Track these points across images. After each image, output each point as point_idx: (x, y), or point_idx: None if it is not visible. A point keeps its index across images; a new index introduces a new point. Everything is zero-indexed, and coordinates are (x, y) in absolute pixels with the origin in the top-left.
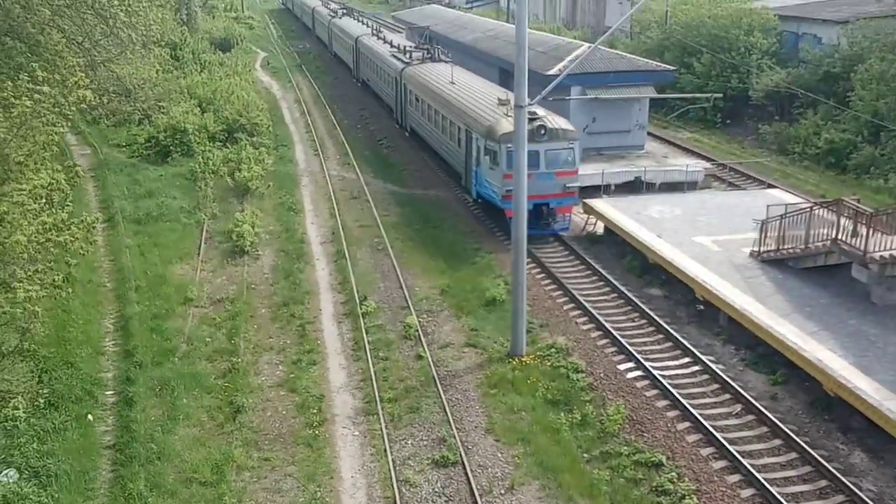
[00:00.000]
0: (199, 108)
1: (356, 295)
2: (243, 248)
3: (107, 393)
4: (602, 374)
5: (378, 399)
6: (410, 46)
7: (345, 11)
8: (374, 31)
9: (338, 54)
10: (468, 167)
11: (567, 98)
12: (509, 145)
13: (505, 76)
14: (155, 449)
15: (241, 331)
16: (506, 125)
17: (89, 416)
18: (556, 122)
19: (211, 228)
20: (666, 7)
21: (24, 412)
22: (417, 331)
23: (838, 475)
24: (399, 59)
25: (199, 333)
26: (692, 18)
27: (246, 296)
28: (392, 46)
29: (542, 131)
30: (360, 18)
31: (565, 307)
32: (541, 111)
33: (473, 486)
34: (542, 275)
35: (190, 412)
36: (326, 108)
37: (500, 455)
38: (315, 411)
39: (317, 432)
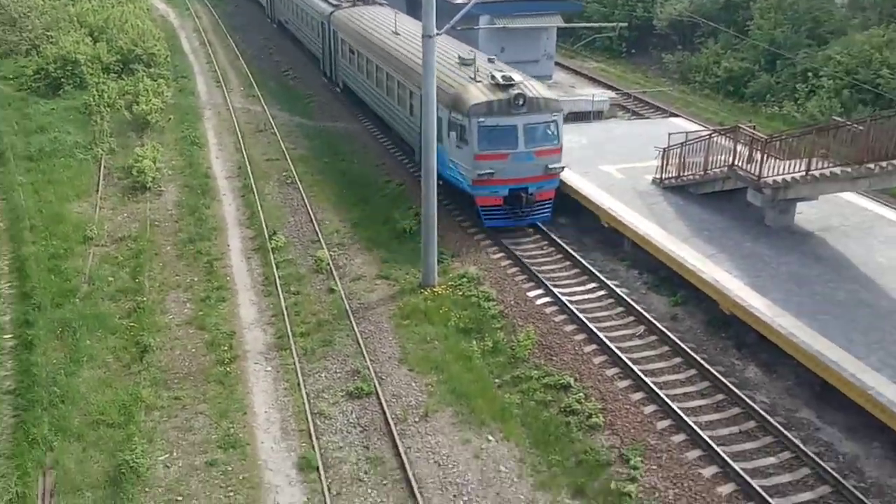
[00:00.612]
0: (90, 38)
1: (265, 230)
2: (145, 183)
3: (4, 336)
4: (512, 302)
5: (290, 333)
6: None
7: None
8: None
9: None
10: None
11: (475, 27)
12: (482, 119)
13: (413, 4)
14: (58, 392)
15: (146, 269)
16: (476, 93)
17: None
18: (535, 89)
19: (109, 164)
20: None
21: None
22: (329, 264)
23: (734, 389)
24: (330, 2)
25: (100, 273)
26: None
27: (149, 233)
28: None
29: (520, 101)
30: None
31: (475, 237)
32: (517, 76)
33: (388, 416)
34: (452, 205)
35: (94, 354)
36: (227, 38)
37: (413, 384)
38: (226, 348)
39: (228, 369)
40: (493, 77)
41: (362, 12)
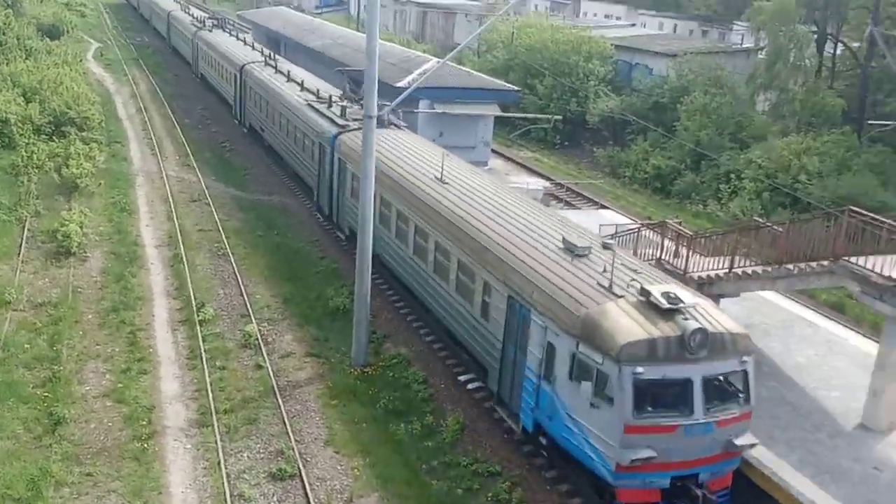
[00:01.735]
0: (23, 98)
1: (193, 301)
2: (69, 248)
3: None
4: (442, 385)
5: (213, 410)
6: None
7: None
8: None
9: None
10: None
11: (415, 111)
12: (640, 369)
13: (354, 84)
14: None
15: (65, 337)
16: (627, 324)
17: None
18: (714, 317)
19: (34, 227)
20: (512, 28)
21: None
22: (258, 339)
23: None
24: (334, 121)
25: (16, 339)
26: (536, 42)
27: (71, 300)
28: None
29: (698, 339)
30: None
31: (408, 318)
32: (686, 294)
33: (311, 500)
34: (386, 285)
35: (4, 423)
36: (165, 106)
37: (339, 467)
38: (144, 423)
39: (145, 445)
40: (644, 292)
41: (381, 139)
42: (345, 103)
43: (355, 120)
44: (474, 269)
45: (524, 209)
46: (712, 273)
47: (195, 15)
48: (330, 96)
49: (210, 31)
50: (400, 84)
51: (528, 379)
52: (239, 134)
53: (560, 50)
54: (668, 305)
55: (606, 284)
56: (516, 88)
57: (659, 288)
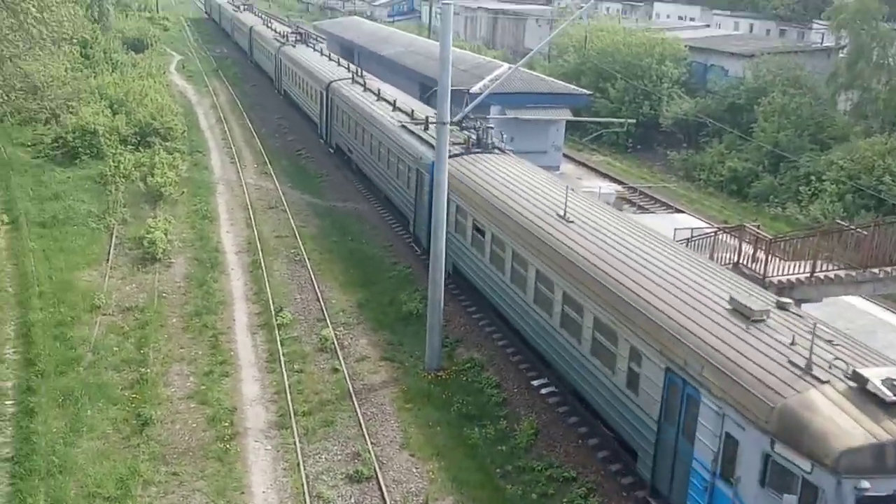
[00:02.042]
0: (110, 110)
1: (272, 306)
2: (155, 255)
3: (6, 403)
4: (515, 390)
5: (292, 412)
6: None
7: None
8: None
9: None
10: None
11: (487, 117)
12: (863, 484)
13: (426, 91)
14: (56, 462)
15: (151, 340)
16: (843, 422)
17: None
18: None
19: (121, 234)
20: (585, 32)
21: None
22: (333, 343)
23: None
24: (433, 146)
25: (105, 342)
26: (608, 45)
27: (157, 304)
28: None
29: None
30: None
31: (480, 323)
32: None
33: (388, 501)
34: (458, 291)
35: (94, 424)
36: (244, 116)
37: (414, 470)
38: (226, 424)
39: (228, 446)
40: (858, 377)
41: (487, 166)
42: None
43: (455, 144)
44: (617, 329)
45: (674, 258)
46: (793, 277)
47: (278, 30)
48: (426, 118)
49: (293, 46)
50: (472, 90)
51: (696, 473)
52: (314, 142)
53: (632, 52)
54: (894, 398)
55: (802, 364)
56: (588, 92)
57: (877, 372)
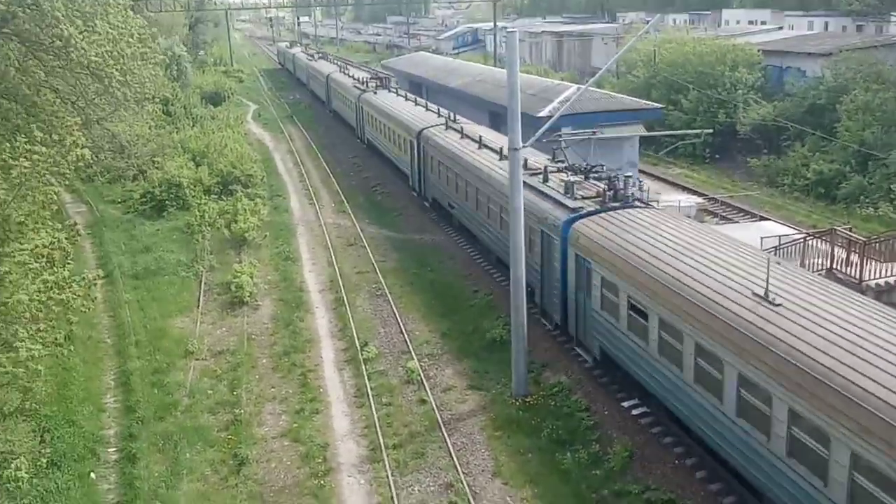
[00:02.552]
0: (192, 162)
1: (357, 341)
2: (242, 298)
3: (109, 450)
4: (606, 413)
5: (383, 446)
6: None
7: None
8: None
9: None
10: None
11: (559, 138)
12: None
13: (495, 119)
14: None
15: (243, 382)
16: None
17: (92, 475)
18: None
19: (209, 280)
20: (652, 46)
21: (26, 473)
22: (419, 375)
23: None
24: (560, 203)
25: (200, 386)
26: (677, 56)
27: (247, 346)
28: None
29: None
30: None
31: (565, 346)
32: None
33: None
34: (540, 315)
35: (194, 466)
36: (319, 158)
37: (508, 498)
38: (320, 460)
39: (322, 482)
40: None
41: (637, 224)
42: (568, 175)
43: (586, 199)
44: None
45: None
46: (892, 280)
47: (356, 76)
48: (545, 167)
49: (375, 93)
50: (541, 114)
51: None
52: (389, 176)
53: (704, 62)
54: None
55: None
56: (660, 106)
57: None
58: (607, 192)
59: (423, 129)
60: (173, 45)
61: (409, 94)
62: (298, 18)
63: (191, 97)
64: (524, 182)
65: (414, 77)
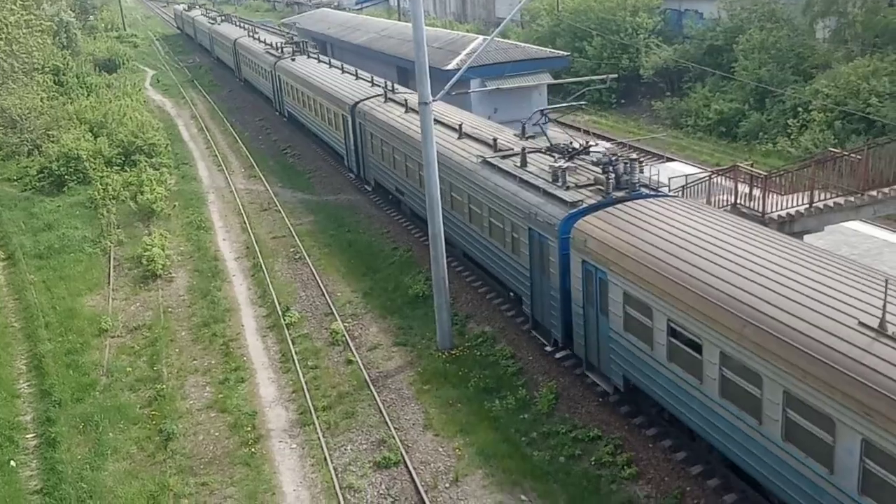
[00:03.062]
0: (91, 134)
1: (278, 307)
2: (155, 271)
3: (27, 436)
4: (531, 358)
5: (312, 408)
6: None
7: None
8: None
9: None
10: None
11: (468, 91)
12: None
13: (403, 74)
14: (85, 488)
15: (163, 356)
16: None
17: (12, 463)
18: None
19: (119, 255)
20: None
21: None
22: (344, 335)
23: None
24: (552, 195)
25: (118, 364)
26: (580, 3)
27: (164, 320)
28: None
29: None
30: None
31: (488, 296)
32: None
33: (418, 484)
34: (461, 267)
35: (118, 446)
36: (224, 122)
37: (440, 449)
38: (249, 429)
39: (253, 450)
40: None
41: (682, 231)
42: (555, 159)
43: (582, 187)
44: None
45: None
46: (792, 210)
47: (268, 41)
48: (524, 148)
49: (292, 59)
50: (449, 67)
51: None
52: (295, 129)
53: (605, 8)
54: None
55: None
56: (566, 53)
57: None
58: (609, 180)
59: (359, 102)
60: (60, 10)
61: (333, 61)
62: None
63: (83, 65)
64: (489, 162)
65: (317, 35)
